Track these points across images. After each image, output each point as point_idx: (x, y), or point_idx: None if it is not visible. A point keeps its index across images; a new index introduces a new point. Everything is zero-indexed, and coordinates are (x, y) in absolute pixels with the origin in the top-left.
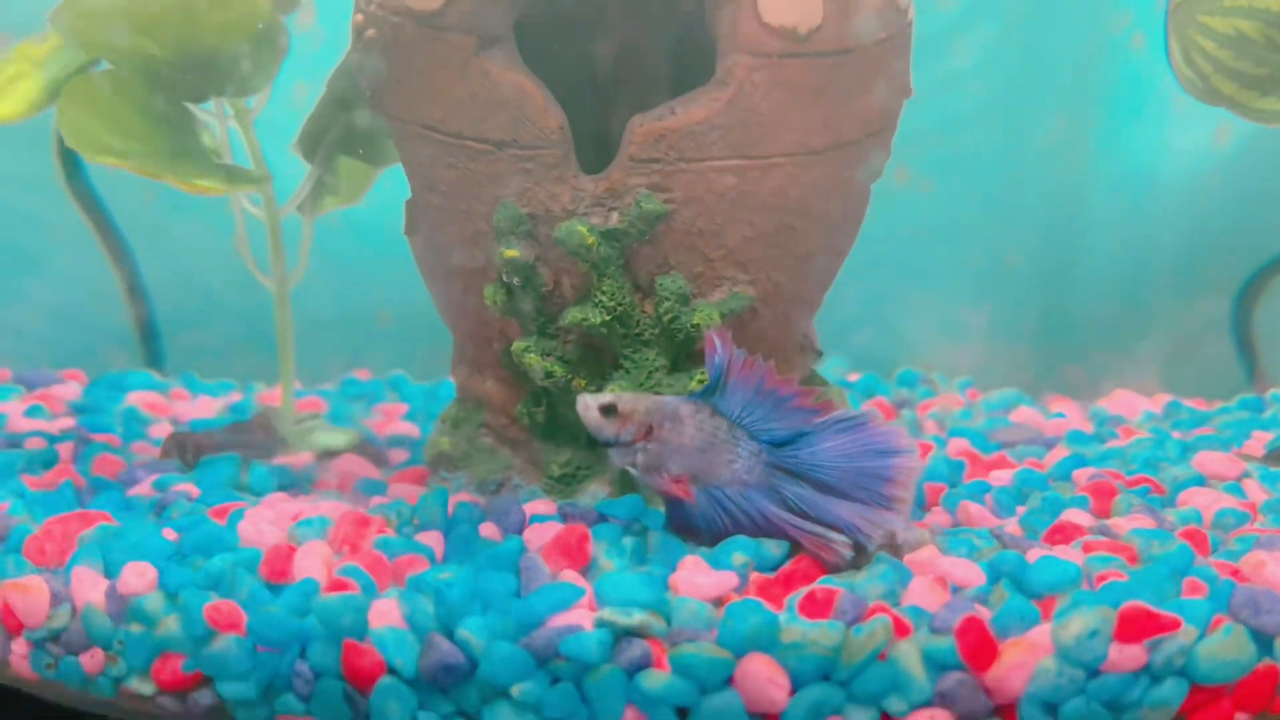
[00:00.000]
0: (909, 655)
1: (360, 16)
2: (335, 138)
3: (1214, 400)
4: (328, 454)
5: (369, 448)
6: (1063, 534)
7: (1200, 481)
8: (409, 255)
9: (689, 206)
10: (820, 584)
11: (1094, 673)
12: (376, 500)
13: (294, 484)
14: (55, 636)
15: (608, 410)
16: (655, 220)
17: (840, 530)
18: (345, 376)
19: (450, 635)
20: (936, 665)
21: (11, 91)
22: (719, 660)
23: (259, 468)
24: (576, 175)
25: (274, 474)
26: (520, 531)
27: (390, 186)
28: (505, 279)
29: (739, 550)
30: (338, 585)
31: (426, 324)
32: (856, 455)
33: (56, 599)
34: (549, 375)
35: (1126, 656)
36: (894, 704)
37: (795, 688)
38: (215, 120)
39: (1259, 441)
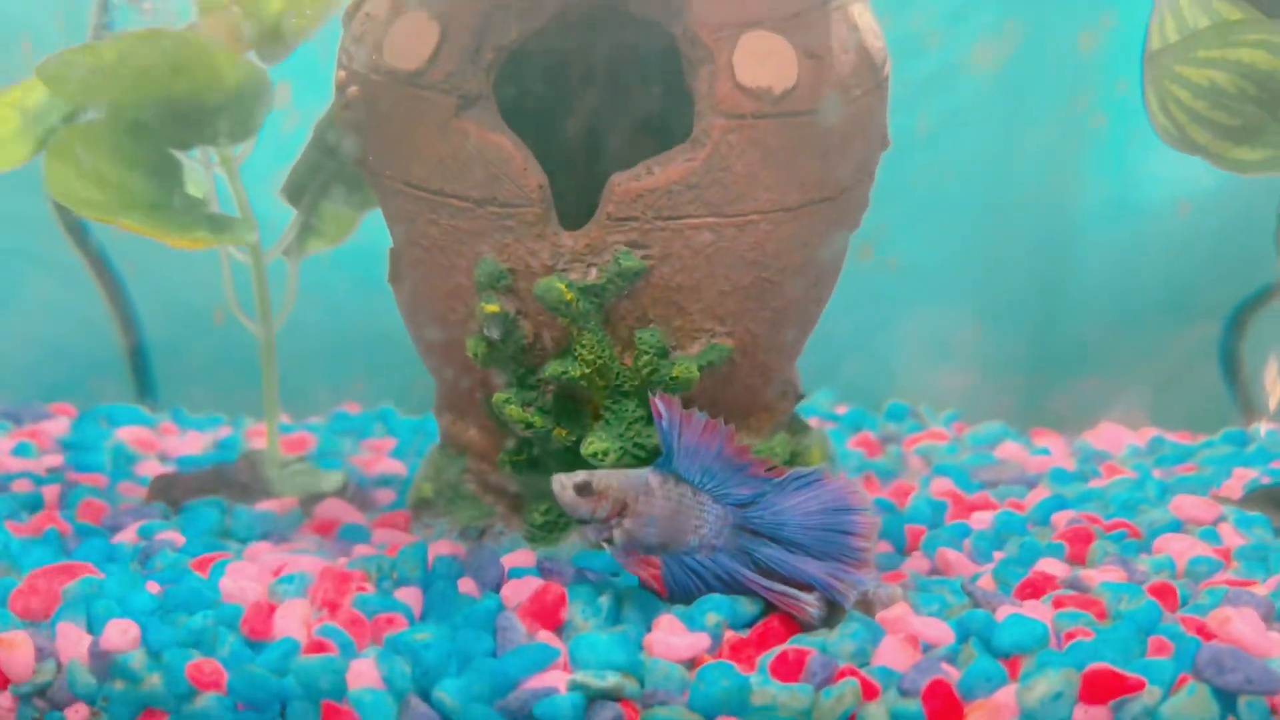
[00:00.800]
0: (877, 718)
1: (343, 74)
2: (320, 183)
3: (1199, 434)
4: (313, 498)
5: (354, 490)
6: (1034, 588)
7: (1177, 527)
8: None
9: (666, 263)
10: (792, 644)
11: None
12: (359, 550)
13: (277, 530)
14: (41, 691)
15: (582, 489)
16: (634, 276)
17: (813, 589)
18: (335, 410)
19: (427, 697)
20: None
21: None
22: None
23: (243, 513)
24: (556, 232)
25: (258, 521)
26: (498, 588)
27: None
28: (486, 332)
29: (713, 610)
30: (317, 646)
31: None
32: (817, 512)
33: (42, 654)
34: (528, 426)
35: (1091, 718)
36: None
37: None
38: (202, 167)
39: (1239, 480)
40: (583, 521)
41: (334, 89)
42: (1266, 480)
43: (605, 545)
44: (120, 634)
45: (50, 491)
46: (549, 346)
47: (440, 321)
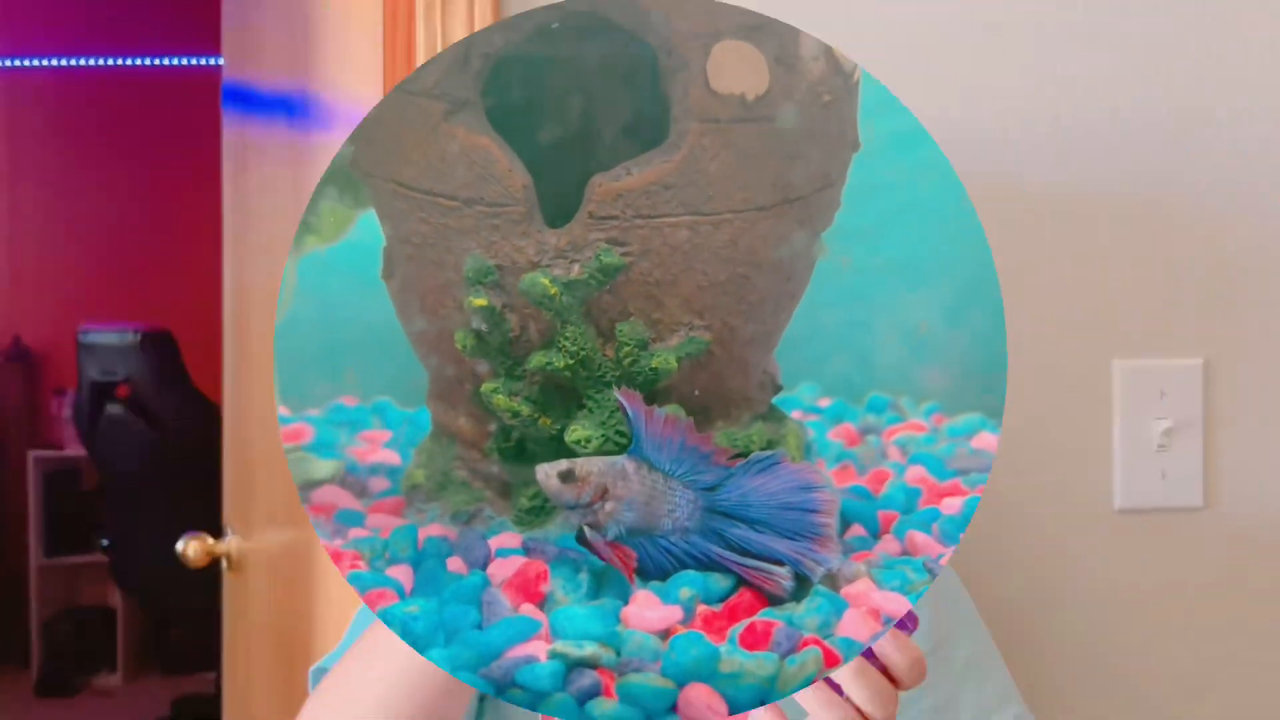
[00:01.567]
0: None
1: None
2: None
3: None
4: (310, 485)
5: (349, 478)
6: None
7: None
8: None
9: (646, 259)
10: (761, 616)
11: None
12: (354, 532)
13: None
14: None
15: (565, 476)
16: (614, 272)
17: (782, 564)
18: (333, 402)
19: None
20: None
21: None
22: (663, 690)
23: None
24: (540, 230)
25: None
26: (485, 566)
27: None
28: (474, 325)
29: (686, 585)
30: None
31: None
32: (779, 492)
33: None
34: (515, 415)
35: None
36: None
37: (733, 713)
38: None
39: None
40: (568, 508)
41: None
42: None
43: (588, 529)
44: None
45: None
46: (534, 339)
47: (430, 315)
